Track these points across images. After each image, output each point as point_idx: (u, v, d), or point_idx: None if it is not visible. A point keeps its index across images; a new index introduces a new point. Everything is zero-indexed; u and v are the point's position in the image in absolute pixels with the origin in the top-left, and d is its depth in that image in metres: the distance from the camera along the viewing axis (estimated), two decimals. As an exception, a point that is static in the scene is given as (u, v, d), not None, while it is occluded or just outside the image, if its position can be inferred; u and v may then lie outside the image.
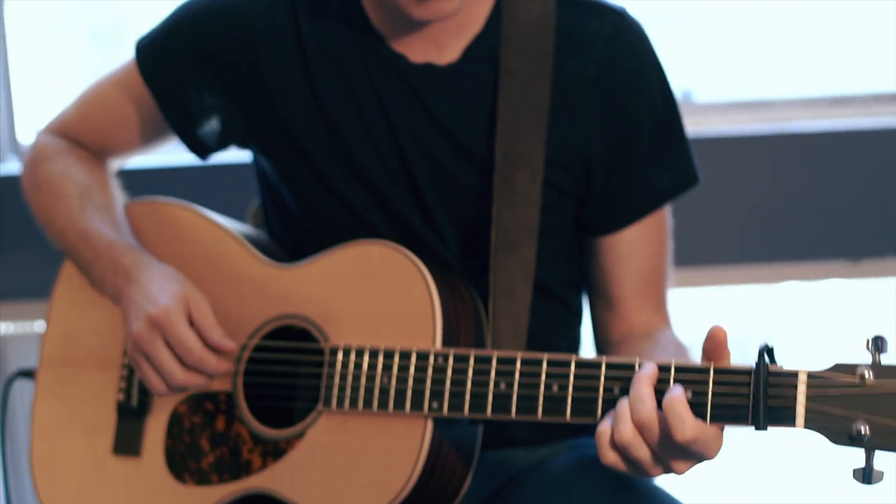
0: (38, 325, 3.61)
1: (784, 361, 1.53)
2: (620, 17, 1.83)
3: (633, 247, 1.88)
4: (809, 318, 3.36)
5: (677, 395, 1.50)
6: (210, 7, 1.90)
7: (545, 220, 1.82)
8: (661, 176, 1.86)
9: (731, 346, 1.54)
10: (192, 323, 1.82)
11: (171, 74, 1.92)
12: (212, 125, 1.94)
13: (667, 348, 1.80)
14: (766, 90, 3.15)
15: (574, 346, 2.00)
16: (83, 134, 2.04)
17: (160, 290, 1.82)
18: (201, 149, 1.98)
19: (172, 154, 3.39)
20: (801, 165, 3.03)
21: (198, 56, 1.90)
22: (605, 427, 1.53)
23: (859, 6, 3.20)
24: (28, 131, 3.60)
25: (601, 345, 1.95)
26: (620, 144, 1.83)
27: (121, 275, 1.88)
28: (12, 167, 3.52)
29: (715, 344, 1.53)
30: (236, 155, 2.09)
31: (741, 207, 3.02)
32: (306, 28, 1.85)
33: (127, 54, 2.00)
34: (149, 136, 2.02)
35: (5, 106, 3.58)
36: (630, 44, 1.83)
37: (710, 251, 3.01)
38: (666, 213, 1.90)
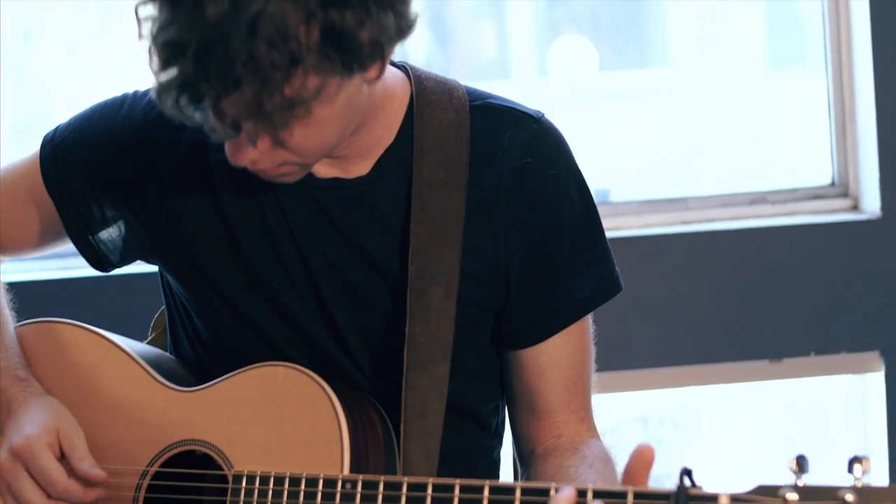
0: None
1: (708, 475, 1.48)
2: (537, 122, 1.77)
3: (555, 358, 1.82)
4: (732, 419, 3.33)
5: None
6: (112, 123, 1.83)
7: (460, 336, 1.75)
8: (582, 285, 1.80)
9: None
10: (63, 455, 1.76)
11: (73, 186, 1.85)
12: (113, 239, 1.87)
13: (593, 464, 1.75)
14: (683, 188, 3.14)
15: (493, 469, 1.92)
16: None
17: (28, 421, 1.77)
18: (102, 262, 1.90)
19: (71, 263, 3.31)
20: (718, 264, 3.00)
21: (98, 173, 1.83)
22: None
23: (771, 105, 3.21)
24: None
25: (525, 457, 1.87)
26: (540, 256, 1.77)
27: (3, 408, 1.82)
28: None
29: (641, 462, 1.48)
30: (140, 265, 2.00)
31: (661, 308, 2.98)
32: (214, 148, 1.75)
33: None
34: (46, 240, 1.94)
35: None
36: (547, 151, 1.76)
37: (628, 354, 2.96)
38: (587, 320, 1.84)
